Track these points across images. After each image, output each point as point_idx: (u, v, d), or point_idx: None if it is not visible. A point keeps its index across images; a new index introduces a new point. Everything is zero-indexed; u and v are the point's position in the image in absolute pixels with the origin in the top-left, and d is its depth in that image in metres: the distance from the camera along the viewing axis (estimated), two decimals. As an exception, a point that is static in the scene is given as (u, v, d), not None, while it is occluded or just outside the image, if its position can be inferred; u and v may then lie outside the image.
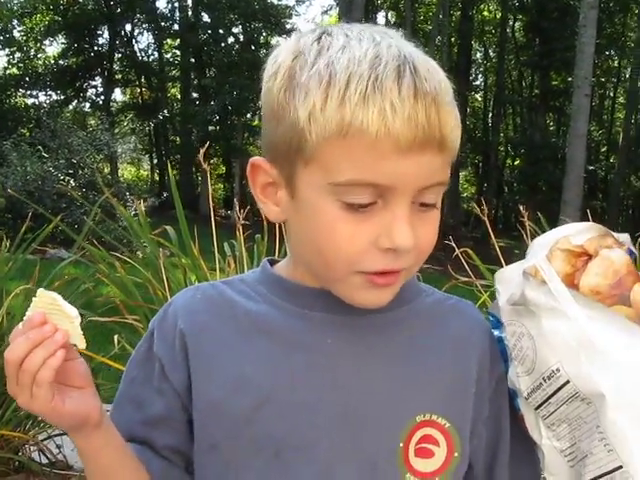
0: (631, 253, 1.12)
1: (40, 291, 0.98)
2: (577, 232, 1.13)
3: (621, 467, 1.01)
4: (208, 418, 1.05)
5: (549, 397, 1.09)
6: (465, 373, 1.12)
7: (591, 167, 26.55)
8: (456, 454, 1.08)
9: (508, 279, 1.18)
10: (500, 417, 1.16)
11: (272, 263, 1.18)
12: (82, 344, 0.97)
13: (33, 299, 0.97)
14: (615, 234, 1.14)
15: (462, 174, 36.58)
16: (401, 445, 1.05)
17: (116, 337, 2.54)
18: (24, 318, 0.97)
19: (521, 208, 2.41)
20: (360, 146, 0.91)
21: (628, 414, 1.01)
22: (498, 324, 1.17)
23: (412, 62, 0.95)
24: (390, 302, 1.06)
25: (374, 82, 0.91)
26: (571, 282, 1.08)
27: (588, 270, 1.08)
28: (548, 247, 1.12)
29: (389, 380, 1.07)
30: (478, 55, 37.74)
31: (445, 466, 1.08)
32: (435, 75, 0.97)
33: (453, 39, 33.42)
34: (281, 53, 1.03)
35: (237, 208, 2.61)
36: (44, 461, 3.08)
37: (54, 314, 0.96)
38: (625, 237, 1.15)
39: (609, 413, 1.01)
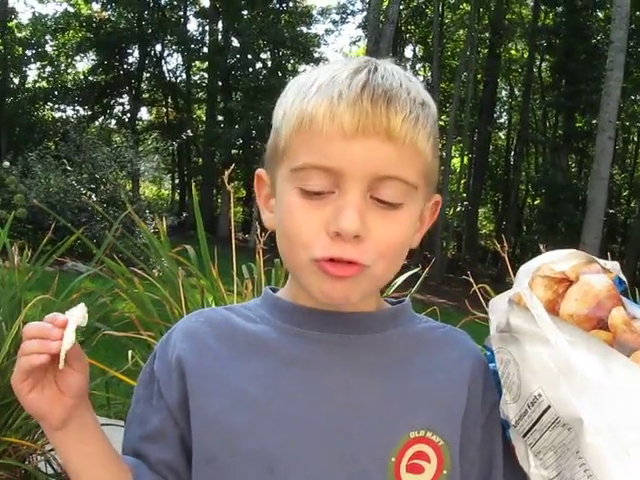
0: (620, 282, 1.12)
1: (82, 305, 1.05)
2: (560, 259, 1.15)
3: None
4: (206, 432, 1.08)
5: (534, 423, 1.10)
6: (455, 396, 1.13)
7: (611, 210, 26.47)
8: (445, 472, 1.09)
9: (498, 308, 1.19)
10: (493, 445, 1.18)
11: (275, 291, 1.22)
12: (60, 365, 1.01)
13: (81, 305, 1.05)
14: (602, 261, 1.14)
15: (481, 211, 36.55)
16: (393, 460, 1.06)
17: (130, 352, 2.55)
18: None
19: (541, 247, 2.40)
20: (312, 132, 1.00)
21: (606, 438, 1.01)
22: (492, 357, 1.19)
23: (374, 66, 1.04)
24: (385, 323, 1.12)
25: (332, 78, 1.02)
26: (552, 308, 1.10)
27: (568, 296, 1.09)
28: (529, 275, 1.14)
29: (383, 396, 1.09)
30: (503, 93, 37.87)
31: None
32: (400, 79, 1.03)
33: (479, 76, 33.57)
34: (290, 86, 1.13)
35: (258, 231, 2.62)
36: (50, 471, 3.08)
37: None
38: (614, 265, 1.14)
39: (587, 438, 1.01)
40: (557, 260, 1.14)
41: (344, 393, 1.08)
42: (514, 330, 1.12)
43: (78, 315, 1.02)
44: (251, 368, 1.10)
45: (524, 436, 1.13)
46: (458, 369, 1.16)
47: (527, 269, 1.16)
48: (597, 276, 1.10)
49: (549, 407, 1.07)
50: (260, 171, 1.15)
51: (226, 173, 2.68)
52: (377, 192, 1.00)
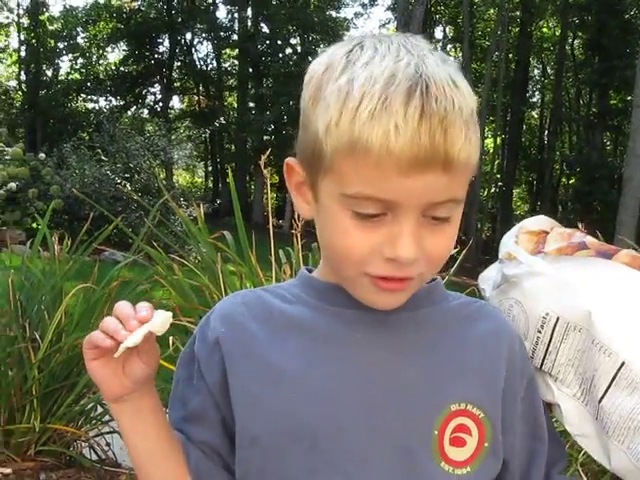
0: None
1: (170, 315, 1.06)
2: (533, 222, 1.37)
3: (624, 363, 1.14)
4: (248, 412, 1.09)
5: (547, 346, 1.22)
6: (494, 369, 1.14)
7: (648, 188, 26.04)
8: (486, 444, 1.11)
9: (488, 277, 1.39)
10: (535, 416, 1.20)
11: (311, 271, 1.23)
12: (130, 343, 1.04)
13: (168, 314, 1.06)
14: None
15: (516, 191, 36.24)
16: (436, 433, 1.07)
17: (171, 338, 2.58)
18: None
19: (580, 225, 2.38)
20: (366, 163, 0.95)
21: (613, 316, 1.17)
22: None
23: (425, 82, 0.96)
24: (419, 302, 1.12)
25: (383, 102, 0.94)
26: (537, 252, 1.30)
27: (548, 241, 1.30)
28: (513, 236, 1.34)
29: (421, 371, 1.10)
30: (536, 72, 37.44)
31: (475, 455, 1.10)
32: (450, 94, 0.97)
33: (511, 55, 33.20)
34: (316, 63, 1.08)
35: (295, 216, 2.62)
36: (94, 457, 3.13)
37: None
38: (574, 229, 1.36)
39: (598, 323, 1.16)
40: (530, 224, 1.36)
41: (383, 369, 1.09)
42: (510, 277, 1.29)
43: (158, 323, 1.04)
44: (289, 347, 1.11)
45: (540, 367, 1.24)
46: (495, 343, 1.17)
47: (508, 236, 1.36)
48: (565, 228, 1.35)
49: (558, 319, 1.21)
50: (291, 161, 1.12)
51: (262, 158, 2.68)
52: (430, 212, 1.00)
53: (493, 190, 33.18)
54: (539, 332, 1.23)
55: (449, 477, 1.08)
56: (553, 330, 1.22)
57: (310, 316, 1.13)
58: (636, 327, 1.16)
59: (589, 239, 1.30)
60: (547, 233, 1.33)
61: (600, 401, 1.17)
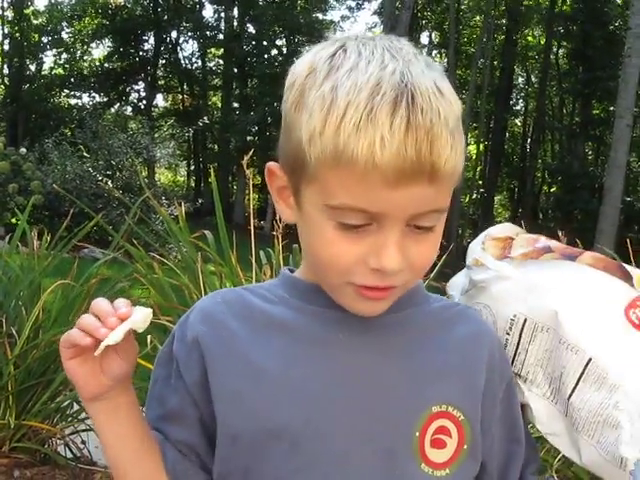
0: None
1: (150, 311, 1.06)
2: (499, 229, 1.40)
3: (590, 359, 1.18)
4: (229, 408, 1.08)
5: (516, 347, 1.26)
6: (474, 372, 1.15)
7: (628, 198, 26.27)
8: (465, 446, 1.11)
9: (456, 283, 1.43)
10: (513, 418, 1.21)
11: (292, 272, 1.23)
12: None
13: (148, 310, 1.05)
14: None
15: (497, 198, 36.40)
16: (417, 434, 1.08)
17: (149, 337, 2.57)
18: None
19: (560, 234, 2.40)
20: (351, 175, 0.94)
21: (579, 315, 1.21)
22: None
23: (411, 92, 0.94)
24: (401, 304, 1.11)
25: (368, 113, 0.93)
26: (504, 257, 1.33)
27: (514, 246, 1.33)
28: (480, 243, 1.37)
29: (403, 373, 1.11)
30: (520, 80, 37.62)
31: (454, 457, 1.11)
32: (435, 104, 0.96)
33: (496, 62, 33.35)
34: (299, 65, 1.07)
35: (277, 217, 2.63)
36: (69, 455, 3.11)
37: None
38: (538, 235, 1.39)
39: (565, 323, 1.20)
40: (496, 231, 1.39)
41: (365, 371, 1.09)
42: (478, 282, 1.33)
43: (139, 319, 1.03)
44: (270, 346, 1.10)
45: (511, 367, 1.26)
46: (475, 346, 1.18)
47: (474, 243, 1.39)
48: (529, 234, 1.38)
49: (525, 320, 1.25)
50: (273, 165, 1.11)
51: (245, 159, 2.68)
52: (417, 222, 1.00)
53: (475, 196, 33.33)
54: (507, 334, 1.26)
55: (429, 479, 1.08)
56: (521, 331, 1.25)
57: (292, 316, 1.13)
58: (601, 324, 1.21)
59: (553, 243, 1.33)
60: (513, 239, 1.36)
61: (569, 398, 1.20)
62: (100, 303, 1.05)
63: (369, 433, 1.07)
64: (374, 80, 0.95)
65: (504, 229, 1.40)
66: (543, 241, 1.34)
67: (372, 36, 1.07)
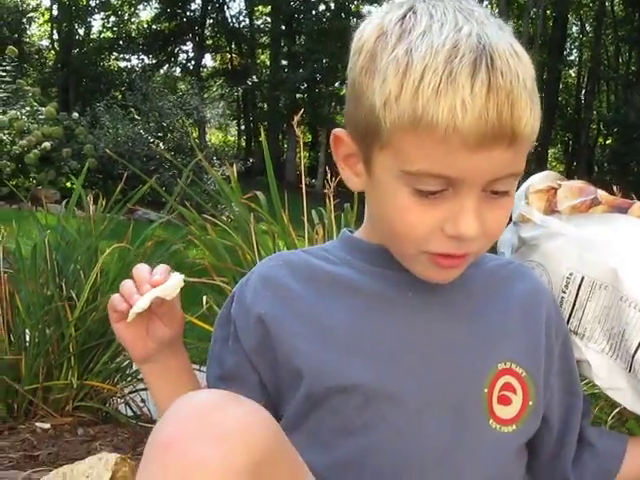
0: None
1: (181, 278, 1.10)
2: (539, 179, 1.37)
3: None
4: (300, 372, 1.09)
5: (573, 305, 1.25)
6: (534, 328, 1.17)
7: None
8: (530, 402, 1.13)
9: (505, 240, 1.41)
10: (570, 372, 1.23)
11: (352, 233, 1.23)
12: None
13: (180, 277, 1.10)
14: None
15: (551, 151, 35.78)
16: (486, 391, 1.09)
17: (204, 298, 2.60)
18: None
19: (614, 188, 2.36)
20: (430, 140, 0.93)
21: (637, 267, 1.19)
22: None
23: (490, 54, 0.93)
24: None
25: (448, 77, 0.91)
26: (551, 212, 1.32)
27: (559, 198, 1.31)
28: (523, 197, 1.35)
29: (469, 330, 1.12)
30: (574, 29, 36.62)
31: (521, 414, 1.12)
32: (514, 66, 0.94)
33: (548, 11, 32.50)
34: (367, 29, 1.04)
35: (328, 176, 2.62)
36: (129, 413, 3.18)
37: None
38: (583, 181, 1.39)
39: (625, 280, 1.19)
40: (538, 180, 1.36)
41: (433, 331, 1.11)
42: (528, 240, 1.32)
43: (168, 287, 1.05)
44: (337, 307, 1.11)
45: (567, 323, 1.27)
46: (533, 303, 1.19)
47: (517, 197, 1.35)
48: (572, 181, 1.37)
49: (583, 278, 1.23)
50: (340, 132, 1.09)
51: (295, 118, 2.66)
52: (493, 187, 0.99)
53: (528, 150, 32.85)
54: (563, 292, 1.26)
55: (495, 434, 1.10)
56: (578, 289, 1.24)
57: (356, 277, 1.13)
58: None
59: (600, 193, 1.31)
60: (556, 189, 1.33)
61: (634, 355, 1.19)
62: (139, 270, 1.09)
63: (439, 391, 1.08)
64: (450, 43, 0.93)
65: (544, 178, 1.38)
66: (589, 191, 1.32)
67: None
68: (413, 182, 0.97)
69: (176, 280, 1.07)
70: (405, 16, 0.99)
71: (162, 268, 1.10)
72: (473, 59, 0.92)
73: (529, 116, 0.94)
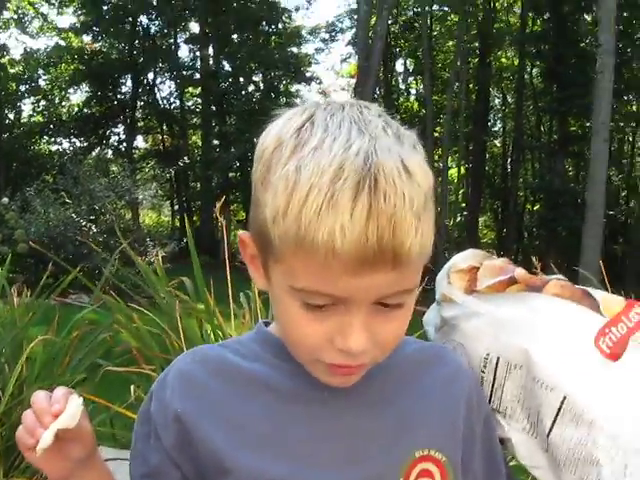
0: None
1: (79, 402, 1.09)
2: (462, 259, 1.38)
3: (565, 397, 1.18)
4: (219, 474, 1.09)
5: (492, 384, 1.27)
6: (454, 413, 1.16)
7: (611, 212, 26.40)
8: None
9: (430, 318, 1.42)
10: (492, 451, 1.23)
11: (268, 325, 1.22)
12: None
13: (79, 401, 1.09)
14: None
15: (481, 219, 36.50)
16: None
17: (132, 387, 2.56)
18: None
19: (534, 259, 2.43)
20: (314, 261, 0.92)
21: (551, 352, 1.21)
22: None
23: (375, 175, 0.91)
24: None
25: (330, 199, 0.90)
26: (471, 291, 1.33)
27: (479, 277, 1.33)
28: (445, 277, 1.36)
29: (386, 421, 1.12)
30: (496, 101, 37.81)
31: None
32: (400, 187, 0.92)
33: (471, 85, 33.59)
34: (268, 135, 1.04)
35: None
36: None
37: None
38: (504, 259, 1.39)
39: (536, 361, 1.21)
40: (460, 260, 1.38)
41: (349, 423, 1.10)
42: (449, 320, 1.33)
43: (67, 418, 1.06)
44: (252, 405, 1.11)
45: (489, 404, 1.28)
46: (453, 386, 1.19)
47: (440, 276, 1.38)
48: (494, 258, 1.38)
49: (498, 359, 1.25)
50: (244, 235, 1.08)
51: (217, 205, 2.70)
52: (384, 301, 0.98)
53: (459, 219, 33.41)
54: (482, 372, 1.28)
55: None
56: (495, 370, 1.26)
57: (269, 374, 1.13)
58: (573, 360, 1.21)
59: (518, 272, 1.32)
60: (477, 268, 1.35)
61: (548, 435, 1.21)
62: (38, 399, 1.08)
63: None
64: (337, 163, 0.92)
65: (467, 258, 1.38)
66: (508, 269, 1.33)
67: (342, 103, 1.04)
68: (302, 296, 0.97)
69: (74, 406, 1.07)
70: (302, 126, 0.99)
71: (60, 393, 1.08)
72: (356, 181, 0.90)
73: (414, 237, 0.92)
